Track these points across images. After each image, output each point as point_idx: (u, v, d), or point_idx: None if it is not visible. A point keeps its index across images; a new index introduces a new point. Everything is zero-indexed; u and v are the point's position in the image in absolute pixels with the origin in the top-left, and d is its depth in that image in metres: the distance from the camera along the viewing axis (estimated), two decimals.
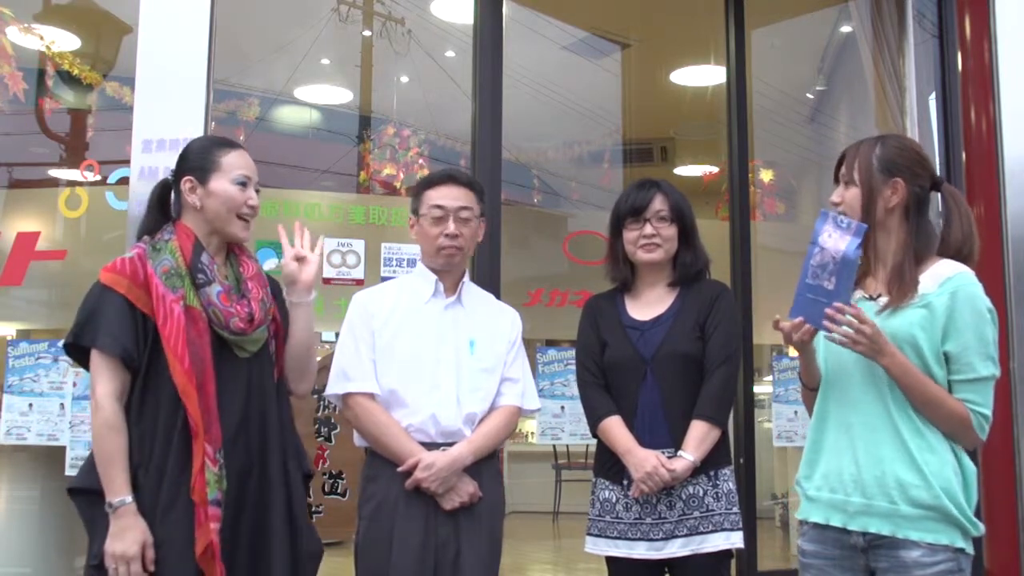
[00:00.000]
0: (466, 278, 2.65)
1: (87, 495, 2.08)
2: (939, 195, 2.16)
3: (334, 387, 2.50)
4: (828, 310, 1.96)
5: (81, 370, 2.64)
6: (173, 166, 2.29)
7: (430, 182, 2.60)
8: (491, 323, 2.62)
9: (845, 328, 1.95)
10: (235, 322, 2.14)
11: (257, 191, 2.27)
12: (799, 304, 2.02)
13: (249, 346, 2.18)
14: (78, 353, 2.15)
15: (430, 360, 2.49)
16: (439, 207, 2.54)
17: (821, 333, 2.05)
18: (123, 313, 2.08)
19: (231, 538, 2.08)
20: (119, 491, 2.02)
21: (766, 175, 5.05)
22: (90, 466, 2.10)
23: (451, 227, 2.52)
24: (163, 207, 2.28)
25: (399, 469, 2.40)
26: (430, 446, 2.43)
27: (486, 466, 2.51)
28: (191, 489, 2.04)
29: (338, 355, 2.53)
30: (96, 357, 2.08)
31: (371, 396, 2.47)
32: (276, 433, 2.21)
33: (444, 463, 2.38)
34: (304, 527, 2.23)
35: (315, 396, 4.28)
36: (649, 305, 2.65)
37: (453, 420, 2.46)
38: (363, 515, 2.46)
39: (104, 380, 2.07)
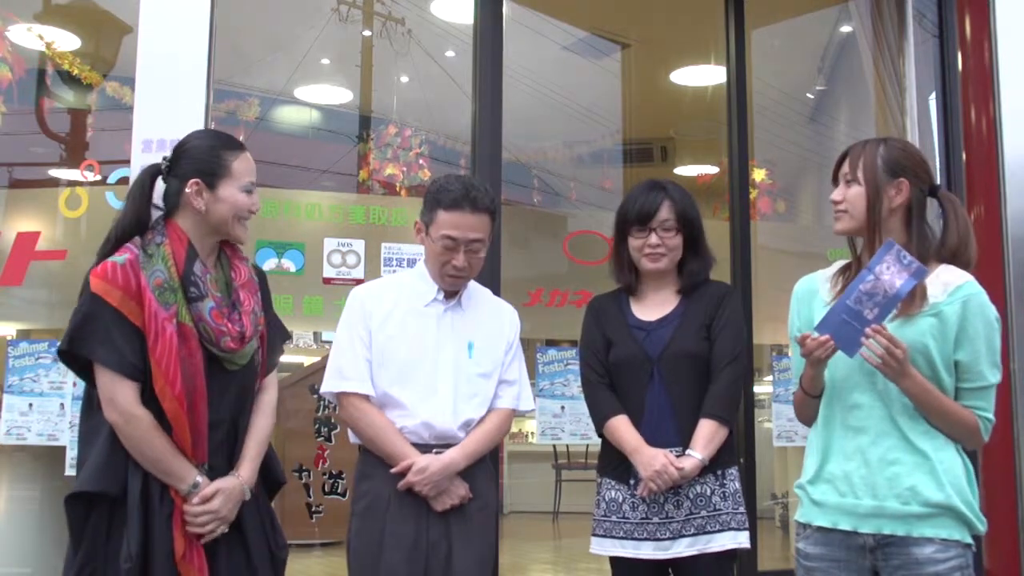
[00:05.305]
0: None
1: (83, 500, 2.03)
2: (936, 202, 2.16)
3: (329, 385, 2.49)
4: (867, 329, 1.94)
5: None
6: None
7: (445, 202, 2.43)
8: (490, 325, 2.58)
9: (878, 349, 1.94)
10: (226, 341, 2.09)
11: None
12: (831, 322, 1.99)
13: (239, 360, 2.14)
14: (72, 359, 2.07)
15: (428, 364, 2.47)
16: (451, 238, 2.42)
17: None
18: (123, 328, 2.01)
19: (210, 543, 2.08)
20: (189, 475, 2.04)
21: (758, 174, 5.03)
22: (88, 474, 2.06)
23: (460, 259, 2.44)
24: (148, 197, 2.19)
25: (392, 471, 2.40)
26: (424, 448, 2.42)
27: (480, 467, 2.50)
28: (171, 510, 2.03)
29: (335, 352, 2.51)
30: (106, 372, 2.02)
31: (366, 397, 2.46)
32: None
33: (437, 468, 2.37)
34: (272, 526, 2.23)
35: (315, 396, 4.28)
36: (655, 306, 2.63)
37: (449, 425, 2.45)
38: (355, 512, 2.46)
39: (123, 389, 2.02)
